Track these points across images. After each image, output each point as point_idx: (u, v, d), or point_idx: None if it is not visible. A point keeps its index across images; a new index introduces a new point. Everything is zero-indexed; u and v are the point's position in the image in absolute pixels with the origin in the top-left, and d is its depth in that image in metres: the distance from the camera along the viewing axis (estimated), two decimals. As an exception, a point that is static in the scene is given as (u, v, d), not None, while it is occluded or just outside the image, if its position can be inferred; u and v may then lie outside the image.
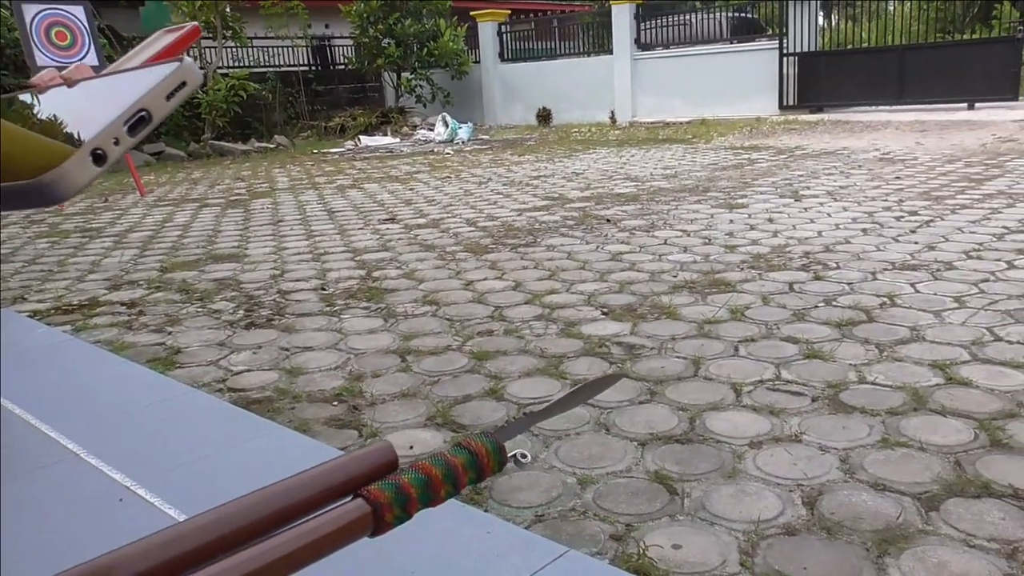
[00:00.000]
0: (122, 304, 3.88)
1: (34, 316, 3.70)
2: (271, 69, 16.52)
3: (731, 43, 14.56)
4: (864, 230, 4.63)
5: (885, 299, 3.26)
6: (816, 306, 3.23)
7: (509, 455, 0.64)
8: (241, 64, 15.73)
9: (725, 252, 4.28)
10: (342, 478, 0.57)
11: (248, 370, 2.85)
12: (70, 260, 5.09)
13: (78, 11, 7.65)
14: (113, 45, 12.93)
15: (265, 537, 0.51)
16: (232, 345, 3.15)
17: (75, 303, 3.94)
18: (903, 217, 4.94)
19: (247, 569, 0.49)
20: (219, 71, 14.32)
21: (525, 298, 3.59)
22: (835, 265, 3.86)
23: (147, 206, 7.57)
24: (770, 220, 5.08)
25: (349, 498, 0.55)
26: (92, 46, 7.78)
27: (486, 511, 1.74)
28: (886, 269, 3.74)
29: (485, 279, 3.98)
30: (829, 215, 5.15)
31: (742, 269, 3.89)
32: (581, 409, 2.32)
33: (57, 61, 7.47)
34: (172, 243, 5.51)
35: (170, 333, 3.35)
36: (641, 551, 1.57)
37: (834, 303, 3.26)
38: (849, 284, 3.52)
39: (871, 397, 2.31)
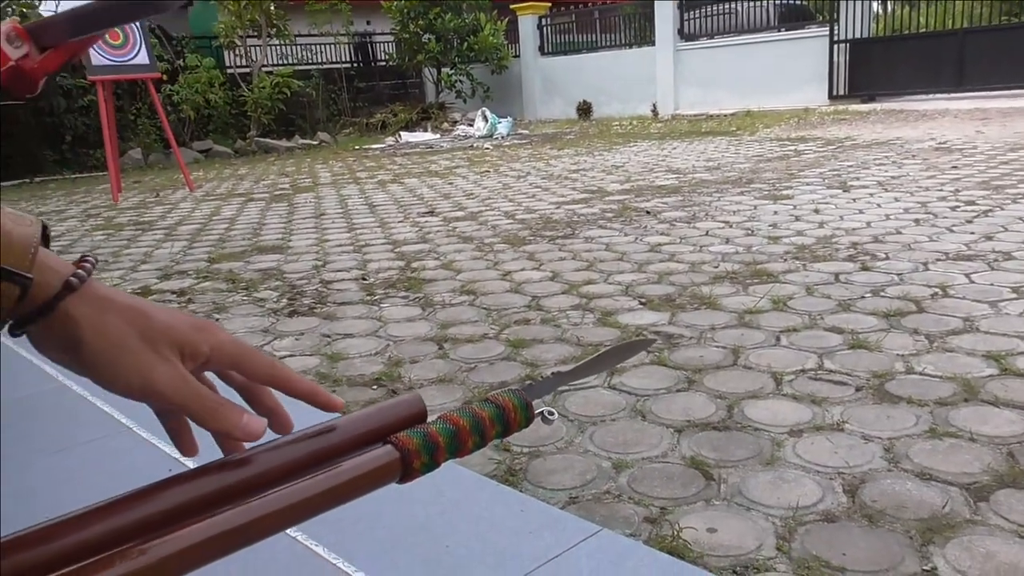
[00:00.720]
0: (172, 292, 3.98)
1: (86, 304, 3.81)
2: (314, 66, 16.75)
3: (779, 31, 14.27)
4: (916, 220, 4.52)
5: (937, 289, 3.18)
6: (863, 296, 3.16)
7: (536, 412, 0.64)
8: (285, 62, 15.97)
9: (768, 243, 4.21)
10: (371, 426, 0.57)
11: (291, 355, 2.90)
12: (124, 252, 5.23)
13: (129, 10, 7.82)
14: (163, 45, 13.24)
15: (297, 479, 0.52)
16: (276, 332, 3.21)
17: (129, 292, 4.04)
18: (959, 207, 4.80)
19: (281, 504, 0.51)
20: (264, 69, 14.56)
21: (562, 288, 3.59)
22: (884, 256, 3.78)
23: (196, 201, 7.74)
24: (816, 211, 4.99)
25: (379, 445, 0.56)
26: (143, 45, 7.98)
27: (520, 492, 1.74)
28: (939, 259, 3.64)
29: (522, 270, 3.98)
30: (879, 205, 5.03)
31: (785, 260, 3.82)
32: (616, 396, 2.31)
33: (111, 60, 7.68)
34: (219, 235, 5.62)
35: (217, 319, 3.42)
36: (675, 533, 1.56)
37: (882, 293, 3.18)
38: (899, 275, 3.43)
39: (919, 387, 2.26)
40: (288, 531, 1.45)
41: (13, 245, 0.43)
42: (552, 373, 0.70)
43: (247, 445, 0.55)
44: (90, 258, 0.48)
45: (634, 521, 1.63)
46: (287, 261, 4.58)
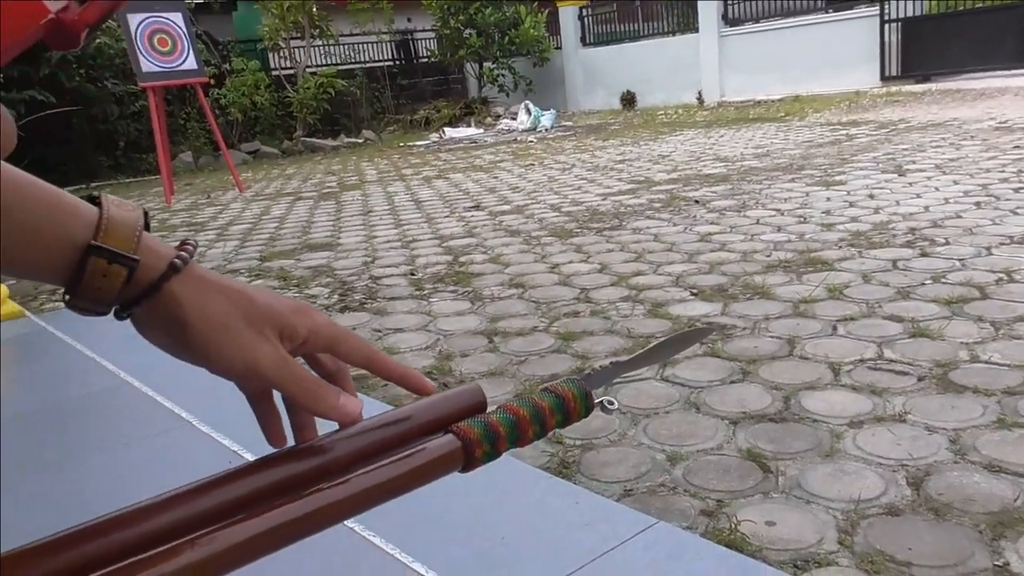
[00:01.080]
0: (223, 292, 4.05)
1: (144, 304, 3.91)
2: (357, 65, 16.92)
3: (826, 12, 13.92)
4: (977, 204, 4.37)
5: (1002, 275, 3.07)
6: (923, 283, 3.07)
7: (595, 402, 0.63)
8: (329, 62, 16.16)
9: (822, 230, 4.12)
10: (433, 415, 0.57)
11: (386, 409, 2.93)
12: (175, 252, 5.35)
13: (177, 17, 8.01)
14: (210, 50, 13.51)
15: (358, 469, 0.52)
16: (326, 329, 3.24)
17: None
18: (1023, 189, 4.63)
19: (343, 495, 0.51)
20: (308, 70, 14.76)
21: (611, 280, 3.56)
22: (944, 241, 3.66)
23: (246, 201, 7.88)
24: (871, 196, 4.86)
25: (441, 434, 0.56)
26: (191, 51, 8.14)
27: (574, 483, 1.73)
28: (1003, 244, 3.51)
29: (570, 262, 3.96)
30: (937, 189, 4.88)
31: (840, 247, 3.73)
32: (669, 388, 2.28)
33: (161, 67, 7.86)
34: (270, 234, 5.72)
35: (268, 318, 3.48)
36: (733, 526, 1.54)
37: (943, 280, 3.08)
38: (960, 260, 3.32)
39: (985, 376, 2.18)
40: (350, 524, 1.46)
41: (118, 229, 0.44)
42: (611, 363, 0.68)
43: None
44: (191, 242, 0.49)
45: (690, 514, 1.61)
46: (337, 258, 4.64)
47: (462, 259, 4.27)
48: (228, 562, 0.45)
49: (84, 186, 11.18)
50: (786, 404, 2.12)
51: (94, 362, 2.79)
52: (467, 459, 0.55)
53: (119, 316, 0.47)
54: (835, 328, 2.67)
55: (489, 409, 0.59)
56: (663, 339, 0.76)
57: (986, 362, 2.28)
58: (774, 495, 1.67)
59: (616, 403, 0.67)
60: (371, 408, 2.27)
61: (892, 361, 2.35)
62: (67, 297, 0.45)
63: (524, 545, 1.41)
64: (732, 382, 2.29)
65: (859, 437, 1.89)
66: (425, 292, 3.66)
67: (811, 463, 1.79)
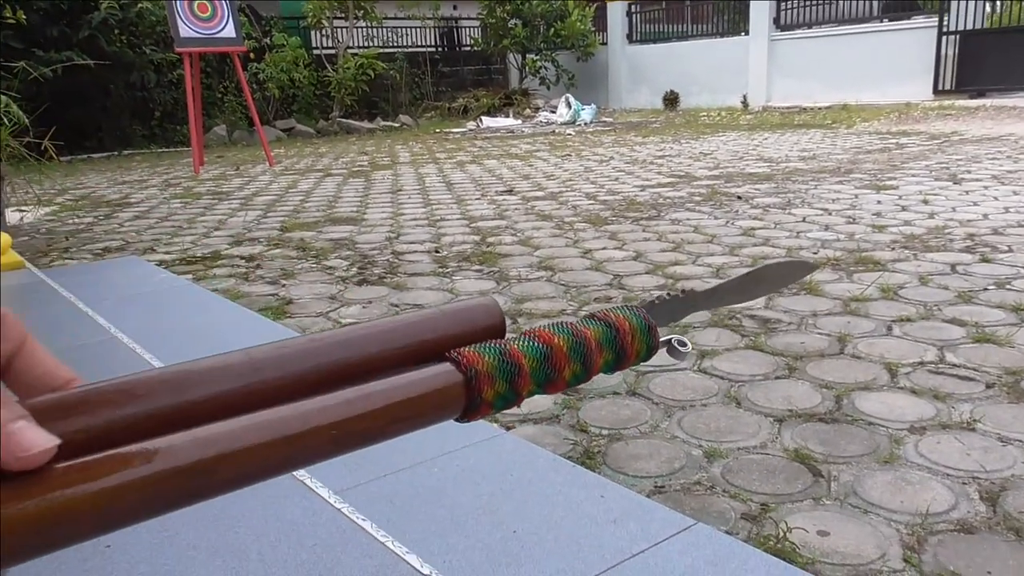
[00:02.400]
0: (241, 258, 3.92)
1: (160, 265, 3.78)
2: (399, 50, 16.80)
3: (881, 21, 13.51)
4: (1039, 213, 4.10)
5: (1070, 284, 2.82)
6: (985, 288, 2.83)
7: (662, 340, 0.43)
8: (371, 44, 16.05)
9: (873, 232, 3.87)
10: (423, 334, 0.39)
11: (356, 322, 2.76)
12: (199, 219, 5.24)
13: (218, -17, 7.91)
14: (252, 23, 13.47)
15: (309, 397, 0.34)
16: (343, 299, 3.08)
17: (199, 255, 4.01)
18: (1085, 202, 4.35)
19: (269, 435, 0.32)
20: (349, 51, 14.66)
21: (646, 268, 3.35)
22: (1007, 248, 3.40)
23: (274, 175, 7.77)
24: (925, 202, 4.59)
25: (434, 362, 0.37)
26: (231, 19, 8.04)
27: (599, 475, 1.54)
28: (1069, 254, 3.25)
29: (604, 248, 3.76)
30: (996, 199, 4.60)
31: (893, 249, 3.49)
32: (707, 380, 2.08)
33: (199, 33, 7.77)
34: (294, 207, 5.58)
35: (284, 285, 3.33)
36: (781, 534, 1.33)
37: (1008, 287, 2.84)
38: (1024, 267, 3.07)
39: (1061, 387, 1.95)
40: (334, 503, 1.28)
41: None
42: (681, 291, 0.50)
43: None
44: None
45: (730, 517, 1.41)
46: (360, 232, 4.48)
47: (490, 239, 4.08)
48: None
49: (117, 153, 11.18)
50: (838, 404, 1.90)
51: (87, 316, 2.65)
52: (470, 400, 0.37)
53: None
54: (890, 328, 2.45)
55: (509, 335, 0.41)
56: (752, 268, 0.56)
57: (1063, 374, 2.05)
58: (826, 502, 1.46)
59: (689, 345, 0.47)
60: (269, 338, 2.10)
61: (955, 366, 2.12)
62: None
63: (539, 541, 1.22)
64: (777, 377, 2.08)
65: (922, 444, 1.68)
66: (449, 270, 3.49)
67: (868, 469, 1.58)
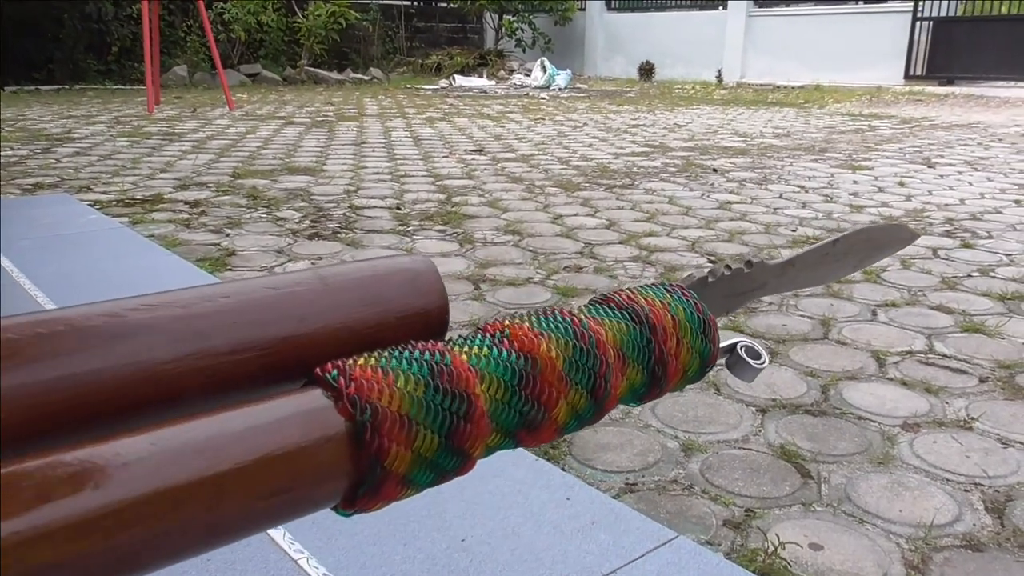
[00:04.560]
0: (186, 203, 3.64)
1: (94, 205, 3.48)
2: (373, 1, 16.23)
3: (857, 3, 13.40)
4: (1017, 200, 4.00)
5: (1058, 276, 2.71)
6: (969, 275, 2.70)
7: (723, 345, 0.24)
8: (344, -8, 15.47)
9: (850, 211, 3.74)
10: (290, 320, 0.19)
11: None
12: (145, 159, 4.90)
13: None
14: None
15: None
16: (291, 253, 2.84)
17: (139, 197, 3.72)
18: (1063, 193, 4.27)
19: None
20: (321, -3, 14.11)
21: (620, 238, 3.17)
22: (987, 234, 3.29)
23: (233, 119, 7.40)
24: (901, 184, 4.48)
25: (298, 384, 0.16)
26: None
27: (563, 470, 1.35)
28: (1052, 244, 3.15)
29: (576, 215, 3.57)
30: (971, 184, 4.51)
31: (874, 230, 3.35)
32: (684, 361, 1.90)
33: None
34: (250, 153, 5.27)
35: (228, 235, 3.07)
36: (771, 548, 1.17)
37: (992, 274, 2.72)
38: (1008, 255, 2.96)
39: (1059, 386, 1.82)
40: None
41: None
42: (747, 262, 0.31)
43: None
44: None
45: (711, 523, 1.24)
46: (317, 183, 4.21)
47: (456, 199, 3.86)
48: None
49: (68, 87, 10.61)
50: (824, 394, 1.75)
51: (26, 293, 2.36)
52: (361, 472, 0.17)
53: None
54: (875, 313, 2.30)
55: (453, 334, 0.21)
56: (836, 236, 0.38)
57: (1058, 372, 1.92)
58: (818, 508, 1.30)
59: (764, 355, 0.28)
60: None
61: (946, 356, 1.98)
62: None
63: (491, 553, 1.03)
64: (759, 362, 1.92)
65: (918, 443, 1.53)
66: (410, 229, 3.26)
67: (861, 470, 1.42)
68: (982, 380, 1.84)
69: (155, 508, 0.17)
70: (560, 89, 12.82)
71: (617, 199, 3.94)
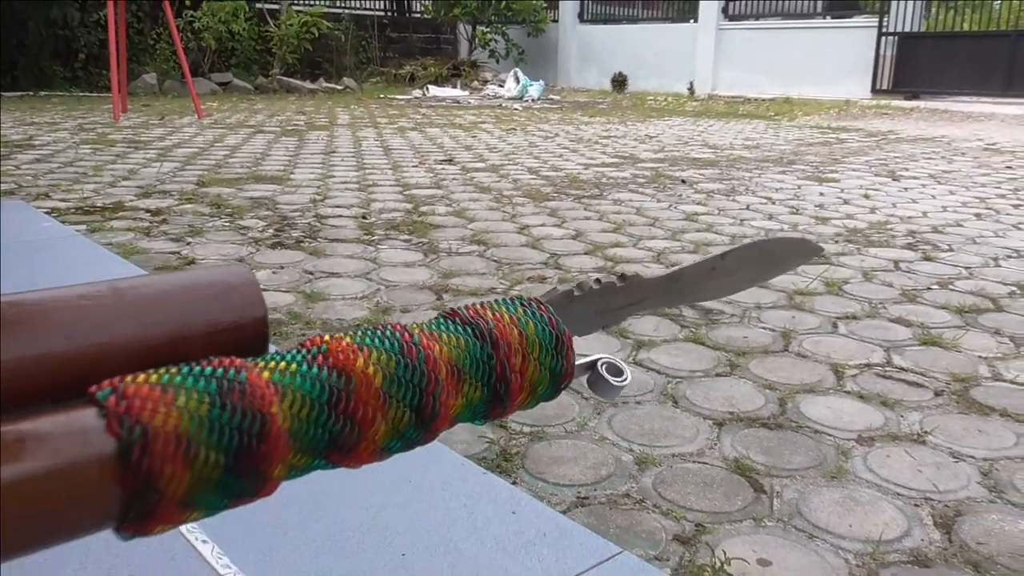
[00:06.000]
0: (147, 211, 3.58)
1: (50, 213, 3.41)
2: (346, 10, 16.19)
3: (824, 18, 13.63)
4: (977, 214, 4.06)
5: (1014, 288, 2.74)
6: (929, 288, 2.73)
7: (581, 363, 0.22)
8: (316, 2, 15.42)
9: (816, 223, 3.77)
10: (88, 336, 0.17)
11: (264, 289, 2.49)
12: (107, 166, 4.82)
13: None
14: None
15: None
16: (252, 262, 2.80)
17: (99, 205, 3.65)
18: (1022, 206, 4.34)
19: None
20: (293, 6, 14.05)
21: (585, 248, 3.17)
22: (947, 247, 3.33)
23: (201, 127, 7.32)
24: (866, 196, 4.53)
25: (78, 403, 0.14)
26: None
27: (513, 483, 1.34)
28: (1009, 256, 3.20)
29: (543, 225, 3.56)
30: (934, 197, 4.57)
31: (837, 242, 3.38)
32: (643, 374, 1.90)
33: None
34: (216, 161, 5.21)
35: (189, 244, 3.02)
36: (718, 564, 1.16)
37: (951, 287, 2.75)
38: (967, 268, 3.00)
39: (1012, 398, 1.83)
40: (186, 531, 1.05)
41: None
42: (621, 275, 0.29)
43: None
44: None
45: (660, 538, 1.23)
46: (283, 192, 4.17)
47: (423, 209, 3.84)
48: None
49: (32, 93, 10.43)
50: (782, 407, 1.75)
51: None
52: (134, 494, 0.15)
53: None
54: (836, 325, 2.31)
55: (274, 350, 0.19)
56: (731, 248, 0.37)
57: (1011, 382, 1.94)
58: (768, 523, 1.29)
59: (627, 372, 0.26)
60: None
61: (903, 370, 1.99)
62: None
63: (431, 568, 1.01)
64: (718, 375, 1.92)
65: (871, 457, 1.53)
66: (374, 238, 3.23)
67: (814, 485, 1.42)
68: (937, 393, 1.86)
69: None
70: (533, 100, 12.86)
71: (585, 209, 3.95)
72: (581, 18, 16.89)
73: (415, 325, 0.23)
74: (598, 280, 0.28)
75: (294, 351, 0.21)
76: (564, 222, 3.64)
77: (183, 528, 1.02)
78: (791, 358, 2.05)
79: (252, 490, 0.19)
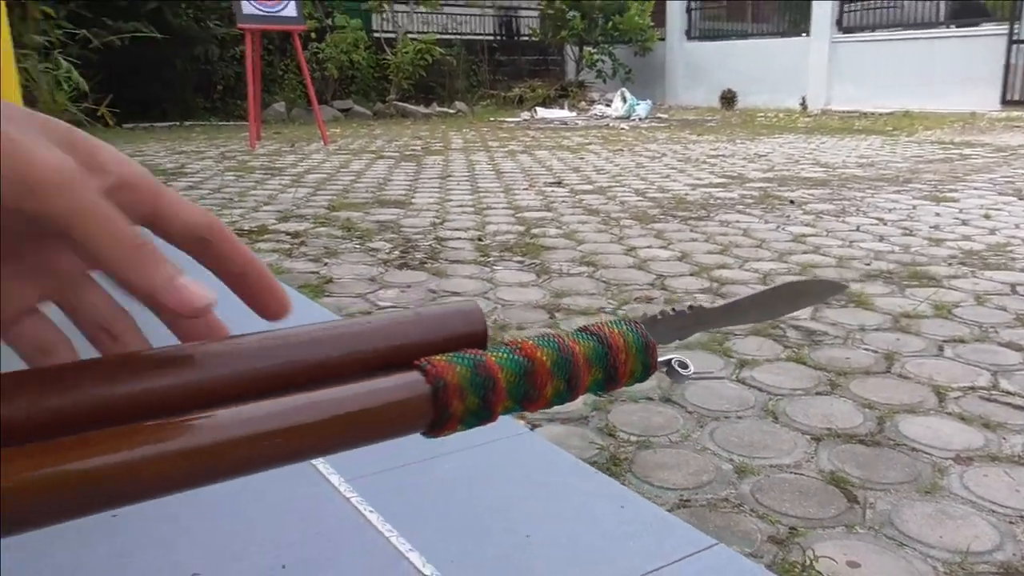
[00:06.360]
0: (287, 234, 3.95)
1: (205, 238, 3.83)
2: (457, 36, 16.79)
3: (947, 27, 13.05)
4: (1112, 237, 3.90)
5: None
6: (1046, 313, 2.70)
7: (661, 359, 0.40)
8: (429, 29, 16.08)
9: (929, 245, 3.73)
10: (395, 339, 0.35)
11: (393, 306, 2.76)
12: (250, 192, 5.30)
13: (283, -37, 7.98)
14: (315, 4, 13.58)
15: (267, 397, 0.31)
16: (382, 281, 3.08)
17: (246, 228, 4.06)
18: None
19: (229, 434, 0.29)
20: (408, 35, 14.71)
21: (691, 269, 3.28)
22: (1072, 271, 3.25)
23: (327, 153, 7.84)
24: (986, 217, 4.42)
25: (402, 369, 0.33)
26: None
27: (623, 484, 1.50)
28: None
29: (649, 247, 3.70)
30: (1064, 218, 4.40)
31: (950, 264, 3.36)
32: (745, 391, 2.02)
33: (261, 11, 7.86)
34: (344, 186, 5.61)
35: (326, 264, 3.34)
36: (808, 562, 1.28)
37: (1070, 312, 2.71)
38: (1090, 293, 2.93)
39: (1122, 424, 1.84)
40: (343, 491, 1.27)
41: None
42: (689, 306, 0.45)
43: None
44: None
45: (756, 539, 1.36)
46: (406, 216, 4.48)
47: (534, 231, 4.05)
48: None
49: (179, 123, 11.40)
50: (880, 426, 1.83)
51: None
52: (437, 414, 0.33)
53: None
54: (942, 349, 2.35)
55: (490, 347, 0.37)
56: (770, 287, 0.51)
57: (1125, 411, 1.94)
58: (859, 530, 1.40)
59: (691, 367, 0.43)
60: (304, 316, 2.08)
61: (1010, 394, 2.02)
62: None
63: (551, 549, 1.19)
64: (818, 393, 2.01)
65: (968, 476, 1.60)
66: (490, 259, 3.46)
67: (907, 498, 1.51)
68: (1043, 416, 1.89)
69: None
70: (640, 119, 12.94)
71: (691, 231, 4.05)
72: (688, 35, 16.85)
73: (564, 332, 0.41)
74: (673, 309, 0.45)
75: (503, 347, 0.39)
76: (670, 243, 3.76)
77: (356, 501, 1.24)
78: (893, 379, 2.11)
79: (488, 418, 0.37)
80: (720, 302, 0.46)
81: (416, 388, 0.32)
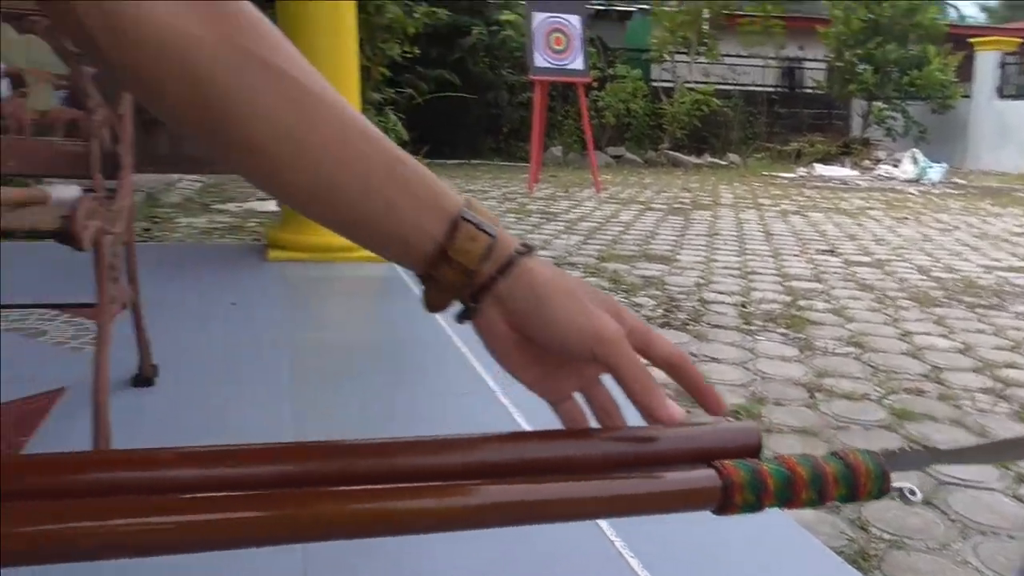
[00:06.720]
0: (559, 282, 4.28)
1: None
2: (736, 86, 16.67)
3: None
4: None
5: None
6: None
7: (893, 486, 0.54)
8: (707, 80, 16.16)
9: None
10: (695, 444, 0.53)
11: (650, 366, 2.93)
12: (527, 236, 5.77)
13: (576, 20, 8.61)
14: (600, 54, 14.29)
15: (606, 475, 0.51)
16: (644, 340, 3.27)
17: (523, 273, 4.46)
18: None
19: (591, 493, 0.49)
20: (686, 85, 14.91)
21: (973, 365, 3.08)
22: None
23: (599, 201, 8.23)
24: None
25: (701, 466, 0.52)
26: (582, 53, 8.68)
27: (872, 581, 1.53)
28: None
29: (927, 334, 3.51)
30: None
31: None
32: (1020, 508, 1.91)
33: (551, 63, 8.51)
34: (613, 237, 5.91)
35: (593, 316, 3.60)
36: None
37: None
38: None
39: None
40: (608, 533, 1.45)
41: (480, 209, 0.46)
42: (924, 447, 0.56)
43: None
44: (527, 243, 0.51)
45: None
46: (671, 273, 4.64)
47: (801, 303, 4.01)
48: (453, 519, 0.46)
49: (467, 161, 12.56)
50: None
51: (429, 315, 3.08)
52: (724, 501, 0.51)
53: (463, 316, 0.49)
54: None
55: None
56: (1011, 437, 0.63)
57: None
58: None
59: (919, 494, 0.57)
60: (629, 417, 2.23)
61: None
62: (427, 273, 0.47)
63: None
64: (1110, 526, 1.85)
65: None
66: (753, 328, 3.51)
67: None
68: None
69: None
70: (933, 184, 11.94)
71: (979, 321, 3.77)
72: (1001, 93, 15.25)
73: (823, 456, 0.56)
74: (912, 449, 0.58)
75: (773, 460, 0.55)
76: (952, 332, 3.54)
77: (616, 540, 1.43)
78: None
79: (757, 509, 0.53)
80: (959, 445, 0.58)
81: (712, 481, 0.50)
